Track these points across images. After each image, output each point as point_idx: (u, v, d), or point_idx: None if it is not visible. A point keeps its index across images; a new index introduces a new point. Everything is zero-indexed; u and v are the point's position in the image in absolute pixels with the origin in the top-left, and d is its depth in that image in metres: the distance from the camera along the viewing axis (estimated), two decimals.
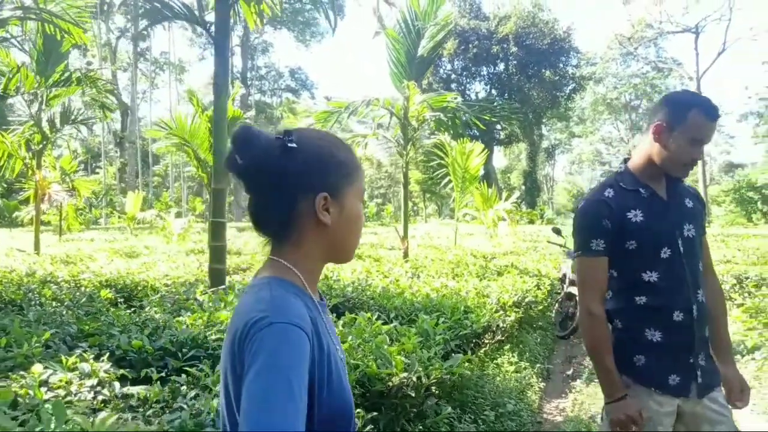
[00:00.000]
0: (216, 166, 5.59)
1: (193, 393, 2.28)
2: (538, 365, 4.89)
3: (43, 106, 10.52)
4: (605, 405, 1.82)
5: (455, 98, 8.59)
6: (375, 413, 2.42)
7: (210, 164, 12.09)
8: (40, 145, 11.10)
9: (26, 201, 17.46)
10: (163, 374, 2.55)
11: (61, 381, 2.30)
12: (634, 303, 1.80)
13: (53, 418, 1.70)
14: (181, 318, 3.65)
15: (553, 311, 6.79)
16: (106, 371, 2.46)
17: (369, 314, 3.75)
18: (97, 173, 39.91)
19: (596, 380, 4.59)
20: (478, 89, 38.44)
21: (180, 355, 2.92)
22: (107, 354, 2.72)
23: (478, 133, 25.33)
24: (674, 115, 1.74)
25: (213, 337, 3.16)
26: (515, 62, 35.11)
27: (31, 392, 2.15)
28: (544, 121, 41.16)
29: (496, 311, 4.74)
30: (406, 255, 8.78)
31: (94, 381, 2.35)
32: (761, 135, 38.87)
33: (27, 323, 3.42)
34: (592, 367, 4.96)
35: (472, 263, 8.09)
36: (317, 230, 0.98)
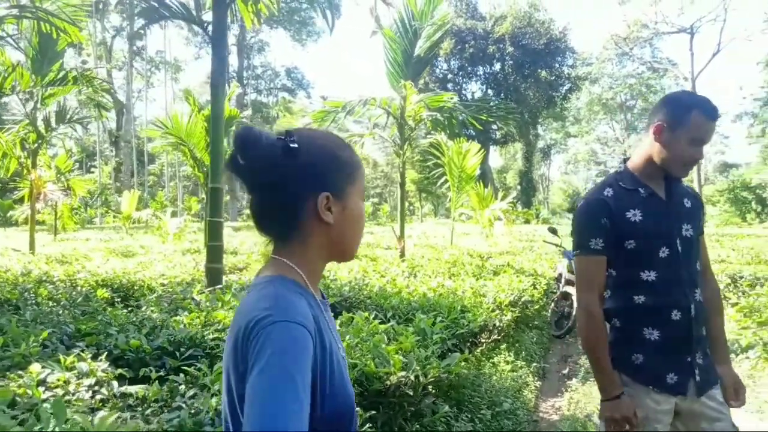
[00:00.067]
0: (213, 165, 5.58)
1: (191, 392, 2.29)
2: (534, 364, 4.91)
3: (39, 105, 10.47)
4: (600, 403, 1.82)
5: (451, 98, 8.60)
6: (373, 412, 2.44)
7: (206, 163, 12.09)
8: (35, 144, 11.05)
9: (21, 200, 17.37)
10: (161, 373, 2.55)
11: (59, 380, 2.30)
12: (632, 302, 1.81)
13: (52, 417, 1.71)
14: (178, 317, 3.65)
15: (549, 310, 6.81)
16: (103, 371, 2.47)
17: (366, 314, 3.76)
18: (92, 172, 39.77)
19: (592, 379, 4.62)
20: (475, 89, 38.56)
21: (178, 354, 2.92)
22: (105, 353, 2.72)
23: (474, 133, 25.34)
24: (675, 116, 1.75)
25: (211, 336, 3.17)
26: (511, 62, 35.20)
27: (29, 392, 2.15)
28: (539, 120, 41.29)
29: (493, 310, 4.76)
30: (402, 254, 8.79)
31: (92, 380, 2.36)
32: (755, 135, 39.07)
33: (24, 323, 3.41)
34: (587, 366, 5.00)
35: (469, 263, 8.11)
36: (320, 229, 0.99)
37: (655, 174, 1.84)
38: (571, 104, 44.41)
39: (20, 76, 9.67)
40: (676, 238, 1.80)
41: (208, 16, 5.89)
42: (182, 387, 2.36)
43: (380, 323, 3.54)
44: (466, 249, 10.73)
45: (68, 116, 11.28)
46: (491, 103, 14.41)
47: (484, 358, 4.42)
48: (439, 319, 3.95)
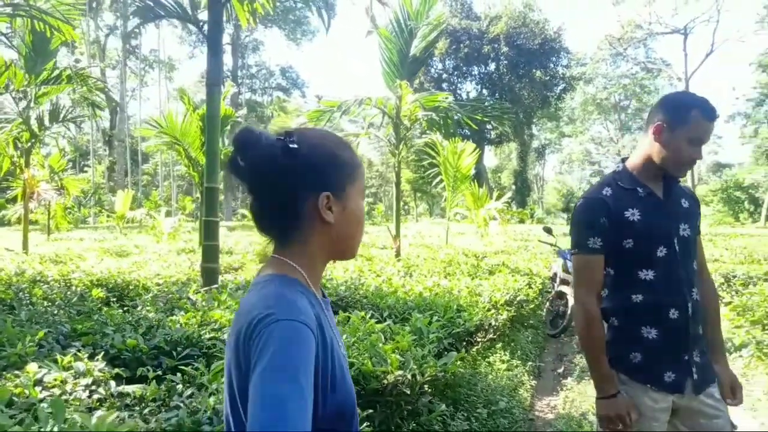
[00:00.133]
0: (208, 165, 5.57)
1: (189, 391, 2.29)
2: (529, 363, 4.93)
3: (32, 104, 10.42)
4: (596, 401, 1.84)
5: (447, 98, 8.61)
6: (370, 411, 2.44)
7: (201, 163, 12.07)
8: (29, 144, 10.99)
9: (14, 200, 17.29)
10: (158, 373, 2.55)
11: (56, 380, 2.30)
12: (630, 301, 1.82)
13: (51, 416, 1.70)
14: (174, 317, 3.64)
15: (544, 310, 6.84)
16: (100, 370, 2.46)
17: (362, 313, 3.76)
18: (86, 172, 39.57)
19: (587, 378, 4.65)
20: (469, 89, 38.64)
21: (174, 354, 2.92)
22: (102, 353, 2.72)
23: (469, 133, 25.43)
24: (674, 116, 1.76)
25: (207, 336, 3.17)
26: (506, 62, 35.29)
27: (26, 391, 2.14)
28: (534, 120, 41.40)
29: (489, 310, 4.77)
30: (398, 254, 8.80)
31: (89, 380, 2.35)
32: (748, 135, 39.32)
33: (19, 323, 3.40)
34: (582, 365, 5.02)
35: (464, 262, 8.13)
36: (320, 229, 0.99)
37: (654, 174, 1.85)
38: (565, 104, 44.59)
39: (13, 74, 9.62)
40: (673, 237, 1.81)
41: (203, 15, 5.89)
42: (180, 386, 2.35)
43: (376, 322, 3.55)
44: (462, 248, 10.75)
45: (62, 115, 11.22)
46: (486, 103, 14.44)
47: (479, 357, 4.44)
48: (435, 318, 3.96)
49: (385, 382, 2.53)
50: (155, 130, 12.06)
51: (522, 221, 28.69)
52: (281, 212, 0.98)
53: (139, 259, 8.98)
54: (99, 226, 27.63)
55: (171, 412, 2.06)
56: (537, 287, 6.60)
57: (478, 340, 4.63)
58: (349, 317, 3.67)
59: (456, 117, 8.67)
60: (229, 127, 13.30)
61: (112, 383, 2.35)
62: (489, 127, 32.21)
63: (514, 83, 35.57)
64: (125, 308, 4.31)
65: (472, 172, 11.82)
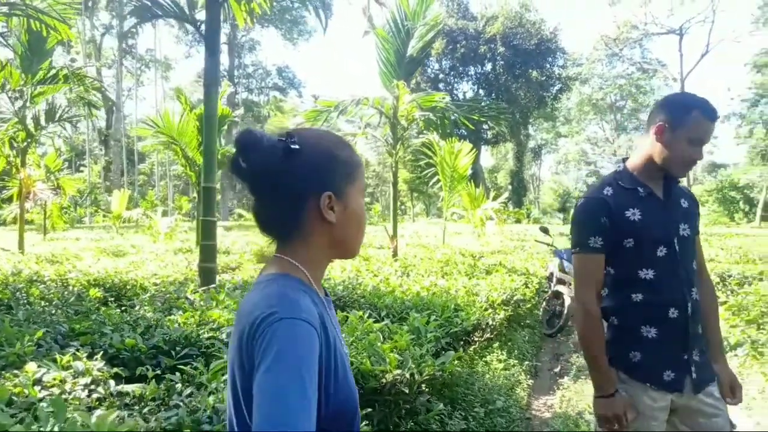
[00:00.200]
0: (206, 165, 5.57)
1: (188, 391, 2.30)
2: (526, 362, 4.95)
3: (28, 104, 10.39)
4: (594, 399, 1.85)
5: (443, 98, 8.63)
6: (369, 410, 2.45)
7: (198, 162, 12.06)
8: (24, 143, 10.97)
9: (9, 200, 17.22)
10: (157, 372, 2.56)
11: (55, 379, 2.30)
12: (630, 300, 1.84)
13: (51, 416, 1.71)
14: (172, 317, 3.65)
15: (541, 309, 6.86)
16: (99, 370, 2.47)
17: (360, 312, 3.77)
18: (82, 171, 39.42)
19: (583, 377, 4.67)
20: (466, 89, 38.65)
21: (173, 353, 2.92)
22: (100, 353, 2.72)
23: (465, 133, 25.50)
24: (676, 116, 1.78)
25: (206, 335, 3.17)
26: (502, 62, 35.33)
27: (25, 391, 2.14)
28: (530, 121, 41.46)
29: (486, 309, 4.79)
30: (395, 254, 8.81)
31: (87, 379, 2.35)
32: (743, 136, 39.46)
33: (17, 322, 3.40)
34: (579, 365, 5.05)
35: (461, 262, 8.14)
36: (322, 228, 1.00)
37: (654, 174, 1.87)
38: (561, 104, 44.66)
39: (9, 74, 9.59)
40: (673, 237, 1.82)
41: (200, 15, 5.89)
42: (179, 386, 2.36)
43: (374, 322, 3.56)
44: (458, 248, 10.77)
45: (58, 115, 11.20)
46: (483, 103, 14.46)
47: (477, 357, 4.45)
48: (432, 317, 3.97)
49: (384, 381, 2.55)
50: (152, 129, 12.04)
51: (518, 221, 28.72)
52: (283, 212, 0.99)
53: (136, 259, 8.96)
54: (95, 226, 27.55)
55: (171, 411, 2.07)
56: (534, 287, 6.62)
57: (476, 339, 4.64)
58: (347, 317, 3.68)
59: (453, 117, 8.69)
60: (226, 127, 13.29)
61: (111, 382, 2.36)
62: (485, 127, 32.27)
63: (511, 83, 35.62)
64: (123, 308, 4.31)
65: (469, 172, 11.83)
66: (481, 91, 37.59)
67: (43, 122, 10.99)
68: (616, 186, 1.88)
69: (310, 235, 1.00)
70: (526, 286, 6.26)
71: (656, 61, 43.61)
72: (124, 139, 39.04)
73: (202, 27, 5.49)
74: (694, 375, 1.81)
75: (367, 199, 46.68)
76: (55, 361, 2.49)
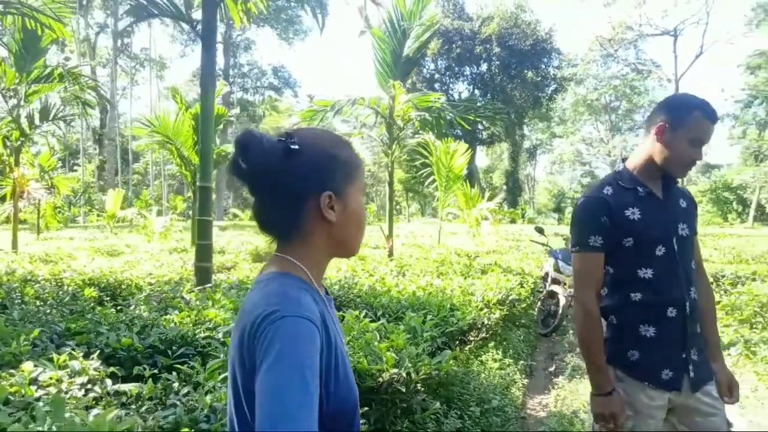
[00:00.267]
0: (202, 164, 5.56)
1: (185, 390, 2.30)
2: (521, 362, 4.97)
3: (22, 102, 10.34)
4: (591, 397, 1.86)
5: (439, 98, 8.64)
6: (366, 408, 2.46)
7: (193, 162, 12.04)
8: (18, 142, 10.91)
9: (2, 199, 17.14)
10: (154, 372, 2.56)
11: (51, 379, 2.30)
12: (629, 299, 1.85)
13: (48, 415, 1.71)
14: (168, 316, 3.65)
15: (536, 309, 6.89)
16: (95, 369, 2.46)
17: (356, 312, 3.78)
18: (76, 170, 39.26)
19: (578, 376, 4.70)
20: (461, 89, 38.73)
21: (170, 352, 2.92)
22: (97, 352, 2.72)
23: (461, 133, 25.50)
24: (676, 116, 1.79)
25: (202, 335, 3.17)
26: (498, 63, 35.41)
27: (22, 390, 2.14)
28: (525, 121, 41.58)
29: (481, 309, 4.81)
30: (390, 254, 8.82)
31: (84, 379, 2.35)
32: (737, 137, 39.70)
33: (12, 322, 3.39)
34: (573, 364, 5.07)
35: (456, 262, 8.16)
36: (322, 228, 1.00)
37: (654, 174, 1.88)
38: (556, 105, 44.79)
39: (3, 72, 9.54)
40: (672, 236, 1.84)
41: (197, 14, 5.88)
42: (176, 385, 2.36)
43: (370, 321, 3.57)
44: (454, 248, 10.79)
45: (52, 114, 11.15)
46: (478, 104, 14.50)
47: (472, 356, 4.46)
48: (428, 317, 3.99)
49: (381, 380, 2.55)
50: (147, 129, 12.01)
51: (513, 221, 28.82)
52: (284, 212, 0.99)
53: (131, 259, 8.94)
54: (89, 226, 27.43)
55: (168, 410, 2.07)
56: (529, 286, 6.65)
57: (471, 339, 4.66)
58: (343, 316, 3.69)
59: (449, 117, 8.70)
60: (221, 127, 13.27)
61: (108, 382, 2.35)
62: (481, 127, 32.29)
63: (506, 84, 35.71)
64: (118, 308, 4.30)
65: (465, 172, 11.86)
66: (476, 92, 37.67)
67: (37, 121, 10.94)
68: (616, 185, 1.89)
69: (311, 235, 1.01)
70: (522, 286, 6.28)
71: (651, 62, 43.83)
72: (119, 138, 38.87)
73: (199, 26, 5.48)
74: (692, 374, 1.82)
75: (363, 199, 46.62)
76: (51, 360, 2.49)
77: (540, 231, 7.95)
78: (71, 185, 19.97)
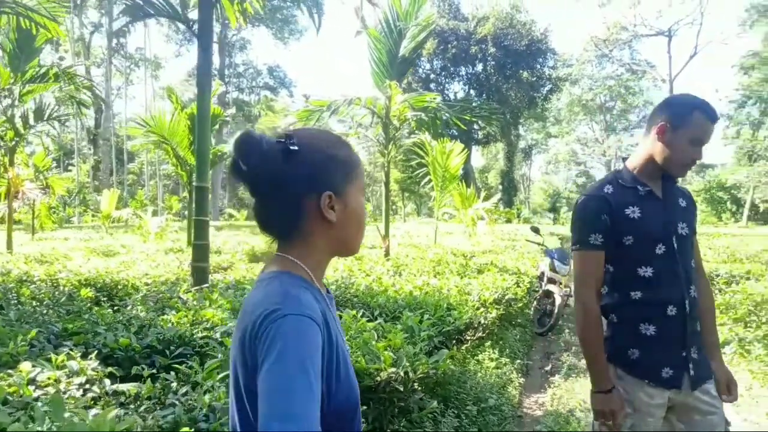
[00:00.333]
0: (199, 164, 5.56)
1: (183, 389, 2.30)
2: (517, 361, 4.99)
3: (16, 102, 10.30)
4: (592, 394, 1.88)
5: (434, 98, 8.66)
6: (364, 407, 2.47)
7: (189, 162, 12.02)
8: (13, 142, 10.86)
9: None
10: (152, 371, 2.56)
11: (49, 379, 2.30)
12: (629, 298, 1.86)
13: (47, 414, 1.71)
14: (166, 316, 3.65)
15: (532, 308, 6.91)
16: (93, 369, 2.46)
17: (354, 311, 3.79)
18: (70, 171, 39.05)
19: (574, 375, 4.72)
20: (457, 89, 38.76)
21: (167, 352, 2.92)
22: (95, 352, 2.72)
23: (456, 133, 25.59)
24: (678, 116, 1.81)
25: (200, 334, 3.18)
26: (493, 63, 35.46)
27: (20, 390, 2.14)
28: (521, 121, 41.67)
29: (478, 308, 4.82)
30: (387, 254, 8.83)
31: (82, 379, 2.35)
32: (731, 137, 39.90)
33: (8, 322, 3.38)
34: (570, 363, 5.10)
35: (453, 261, 8.17)
36: (323, 227, 1.01)
37: (654, 174, 1.90)
38: (551, 105, 44.91)
39: None
40: (672, 235, 1.85)
41: (192, 14, 5.88)
42: (174, 384, 2.37)
43: (368, 321, 3.58)
44: (450, 248, 10.80)
45: (47, 114, 11.10)
46: (474, 104, 14.53)
47: (469, 356, 4.48)
48: (425, 316, 4.00)
49: (379, 379, 2.57)
50: (143, 129, 11.97)
51: (509, 221, 28.85)
52: (284, 213, 1.00)
53: (127, 259, 8.91)
54: (84, 226, 27.31)
55: (167, 409, 2.07)
56: (525, 286, 6.67)
57: (468, 338, 4.67)
58: (340, 316, 3.70)
59: (445, 117, 8.72)
60: (217, 126, 13.24)
61: (107, 381, 2.36)
62: (476, 127, 32.40)
63: (501, 84, 35.76)
64: (115, 308, 4.30)
65: (460, 172, 11.88)
66: (472, 92, 37.71)
67: (31, 121, 10.89)
68: (617, 184, 1.91)
69: (311, 235, 1.01)
70: (518, 286, 6.30)
71: (645, 63, 44.01)
72: (113, 138, 38.72)
73: (195, 26, 5.48)
74: (692, 372, 1.83)
75: None
76: (49, 360, 2.49)
77: (536, 231, 7.98)
78: (66, 185, 19.89)
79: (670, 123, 1.81)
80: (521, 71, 35.22)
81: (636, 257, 1.85)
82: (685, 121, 1.79)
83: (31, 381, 2.28)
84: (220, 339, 3.02)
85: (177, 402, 2.14)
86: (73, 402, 2.09)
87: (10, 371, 2.38)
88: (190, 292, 4.67)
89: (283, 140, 0.98)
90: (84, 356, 2.63)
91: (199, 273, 5.37)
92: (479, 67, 36.98)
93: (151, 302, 4.42)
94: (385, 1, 8.70)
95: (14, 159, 11.32)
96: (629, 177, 1.92)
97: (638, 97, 49.69)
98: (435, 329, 3.85)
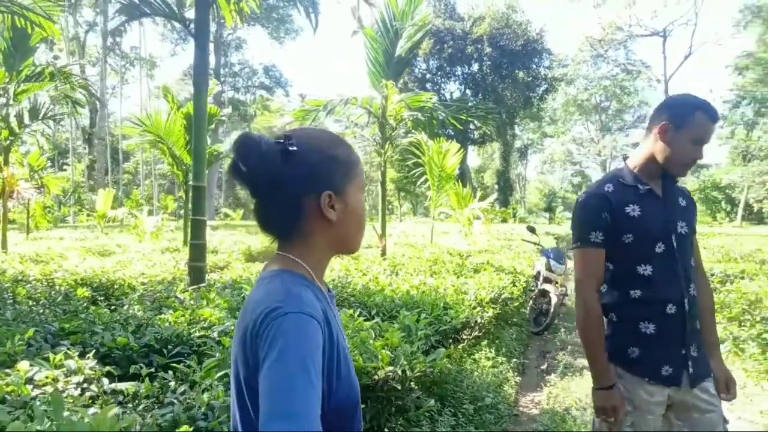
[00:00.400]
0: (195, 164, 5.55)
1: (182, 388, 2.31)
2: (514, 360, 5.01)
3: (11, 101, 10.24)
4: (593, 391, 1.90)
5: (431, 98, 8.67)
6: (362, 406, 2.48)
7: (185, 161, 11.99)
8: (7, 141, 10.81)
9: None
10: (150, 370, 2.56)
11: (47, 378, 2.30)
12: (629, 297, 1.88)
13: (46, 413, 1.71)
14: (163, 315, 3.65)
15: (528, 308, 6.94)
16: (91, 368, 2.46)
17: (351, 311, 3.80)
18: (65, 170, 38.90)
19: (570, 374, 4.75)
20: (453, 89, 38.77)
21: (165, 351, 2.93)
22: (92, 351, 2.72)
23: (452, 133, 25.59)
24: (679, 116, 1.83)
25: (197, 333, 3.18)
26: (489, 63, 35.49)
27: (18, 389, 2.14)
28: (517, 121, 41.70)
29: (474, 308, 4.84)
30: (383, 253, 8.83)
31: (80, 378, 2.35)
32: (725, 137, 40.11)
33: (5, 322, 3.38)
34: (565, 362, 5.12)
35: (449, 261, 8.19)
36: (323, 226, 1.02)
37: (654, 173, 1.91)
38: (547, 105, 44.96)
39: None
40: (671, 234, 1.87)
41: (189, 13, 5.86)
42: (172, 383, 2.37)
43: (365, 320, 3.59)
44: (446, 247, 10.81)
45: (42, 113, 11.05)
46: (470, 104, 14.55)
47: (465, 355, 4.50)
48: (422, 316, 4.01)
49: (376, 377, 2.58)
50: (138, 128, 11.93)
51: (505, 220, 28.88)
52: (284, 213, 1.00)
53: (123, 259, 8.89)
54: (79, 225, 27.19)
55: (165, 408, 2.08)
56: (521, 285, 6.69)
57: (464, 337, 4.69)
58: None
59: (441, 117, 8.73)
60: (213, 126, 13.21)
61: (105, 381, 2.36)
62: (472, 127, 32.36)
63: (497, 84, 35.80)
64: (112, 307, 4.29)
65: (456, 171, 11.90)
66: (468, 92, 37.73)
67: (26, 120, 10.84)
68: (617, 183, 1.93)
69: (311, 234, 1.02)
70: (514, 285, 6.32)
71: (640, 63, 44.15)
72: (109, 137, 38.55)
73: (191, 26, 5.47)
74: (691, 370, 1.84)
75: None
76: (46, 359, 2.48)
77: (532, 230, 8.01)
78: (61, 185, 19.78)
79: (672, 123, 1.83)
80: (517, 71, 35.28)
81: (636, 256, 1.86)
82: (686, 121, 1.81)
83: (29, 380, 2.28)
84: (217, 338, 3.02)
85: (175, 401, 2.14)
86: (71, 401, 2.09)
87: (7, 370, 2.38)
88: (187, 291, 4.67)
89: (281, 141, 0.99)
90: (81, 355, 2.63)
91: (196, 272, 5.37)
92: (475, 67, 37.00)
93: (148, 301, 4.42)
94: (381, 0, 8.71)
95: (9, 158, 11.27)
96: (630, 176, 1.94)
97: (633, 97, 49.87)
98: (432, 328, 3.87)
